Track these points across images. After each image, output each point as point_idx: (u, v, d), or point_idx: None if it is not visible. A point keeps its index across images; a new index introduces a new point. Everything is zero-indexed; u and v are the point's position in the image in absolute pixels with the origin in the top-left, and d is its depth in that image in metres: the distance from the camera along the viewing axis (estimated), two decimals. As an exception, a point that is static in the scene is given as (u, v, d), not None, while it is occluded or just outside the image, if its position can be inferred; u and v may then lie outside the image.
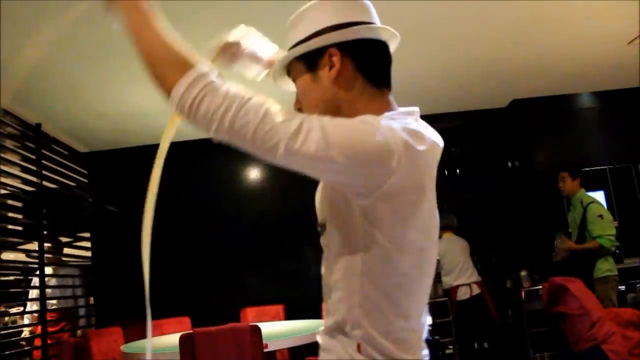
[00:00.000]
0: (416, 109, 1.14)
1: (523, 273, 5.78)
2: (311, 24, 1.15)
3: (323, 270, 1.18)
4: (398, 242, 1.04)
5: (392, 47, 1.22)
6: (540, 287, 4.98)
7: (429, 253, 1.11)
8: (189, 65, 1.01)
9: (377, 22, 1.18)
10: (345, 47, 1.12)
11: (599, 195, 6.05)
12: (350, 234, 1.06)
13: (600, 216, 4.95)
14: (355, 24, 1.13)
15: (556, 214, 5.99)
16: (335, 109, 1.13)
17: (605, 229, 4.89)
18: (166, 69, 1.03)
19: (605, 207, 5.17)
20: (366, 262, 1.05)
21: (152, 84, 1.04)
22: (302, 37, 1.16)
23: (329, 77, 1.13)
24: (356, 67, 1.13)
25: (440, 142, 1.16)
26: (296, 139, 0.96)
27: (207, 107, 0.98)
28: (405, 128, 1.02)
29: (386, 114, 1.07)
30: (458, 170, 6.52)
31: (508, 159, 6.61)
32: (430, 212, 1.10)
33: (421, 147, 1.02)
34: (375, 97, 1.14)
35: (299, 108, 1.22)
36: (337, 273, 1.11)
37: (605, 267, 4.89)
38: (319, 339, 1.19)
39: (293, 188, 6.60)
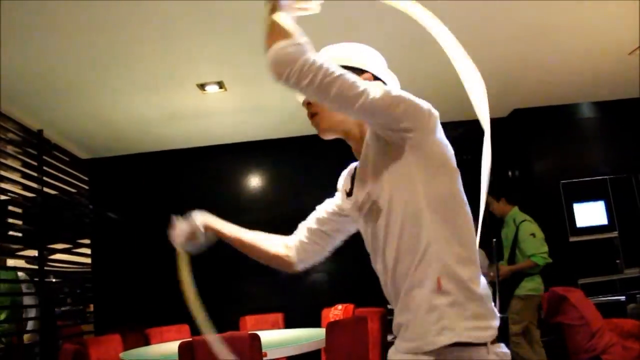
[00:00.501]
0: None
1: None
2: (346, 58, 1.48)
3: (380, 249, 1.39)
4: (445, 183, 1.36)
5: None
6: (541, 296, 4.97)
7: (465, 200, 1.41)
8: (289, 34, 1.24)
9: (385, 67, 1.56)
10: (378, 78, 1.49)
11: (599, 205, 6.05)
12: (411, 186, 1.32)
13: (533, 234, 5.06)
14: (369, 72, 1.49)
15: (557, 223, 5.99)
16: (357, 123, 1.48)
17: (538, 247, 5.00)
18: (274, 36, 1.24)
19: (538, 226, 5.20)
20: (431, 204, 1.31)
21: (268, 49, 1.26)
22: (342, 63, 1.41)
23: None
24: None
25: None
26: (371, 93, 1.26)
27: (305, 60, 1.22)
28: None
29: None
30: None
31: (509, 168, 6.61)
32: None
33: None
34: None
35: (313, 113, 1.51)
36: (403, 238, 1.32)
37: (529, 286, 5.00)
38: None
39: (291, 196, 6.62)
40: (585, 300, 4.09)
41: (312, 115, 1.51)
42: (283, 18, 1.27)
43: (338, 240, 1.72)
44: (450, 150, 1.41)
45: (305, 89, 1.25)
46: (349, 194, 1.55)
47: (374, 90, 1.27)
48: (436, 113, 1.38)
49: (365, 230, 1.47)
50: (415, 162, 1.32)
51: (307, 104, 1.51)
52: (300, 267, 1.72)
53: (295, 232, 1.75)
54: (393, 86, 1.48)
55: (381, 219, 1.36)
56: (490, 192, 5.21)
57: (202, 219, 1.78)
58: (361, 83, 1.27)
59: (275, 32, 1.24)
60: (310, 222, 1.71)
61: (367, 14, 3.79)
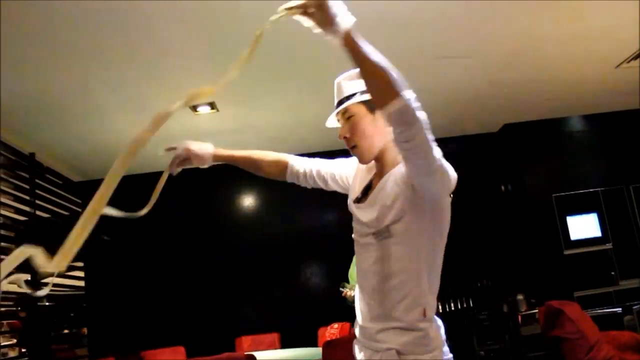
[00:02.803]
0: None
1: (519, 297, 5.77)
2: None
3: (372, 266, 1.59)
4: (442, 236, 1.58)
5: None
6: (537, 310, 4.96)
7: None
8: (404, 87, 1.33)
9: None
10: None
11: (592, 218, 6.07)
12: (416, 231, 1.52)
13: None
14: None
15: (551, 236, 6.00)
16: (378, 142, 1.62)
17: None
18: (392, 85, 1.32)
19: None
20: (428, 250, 1.54)
21: (378, 88, 1.35)
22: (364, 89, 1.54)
23: (380, 118, 1.57)
24: None
25: None
26: (442, 163, 1.45)
27: (420, 119, 1.34)
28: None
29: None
30: (451, 195, 6.53)
31: (501, 183, 6.64)
32: None
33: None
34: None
35: (346, 137, 1.64)
36: (399, 262, 1.54)
37: None
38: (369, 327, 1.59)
39: (285, 217, 6.61)
40: (581, 314, 4.09)
41: (352, 147, 1.65)
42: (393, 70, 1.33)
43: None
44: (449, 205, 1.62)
45: (407, 147, 1.37)
46: (358, 200, 1.69)
47: (442, 160, 1.45)
48: (455, 179, 1.55)
49: (364, 238, 1.63)
50: (430, 221, 1.54)
51: (345, 138, 1.65)
52: (289, 177, 1.95)
53: (301, 159, 1.96)
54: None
55: (388, 244, 1.56)
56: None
57: (200, 146, 1.94)
58: (437, 152, 1.41)
59: (386, 78, 1.32)
60: (321, 166, 1.91)
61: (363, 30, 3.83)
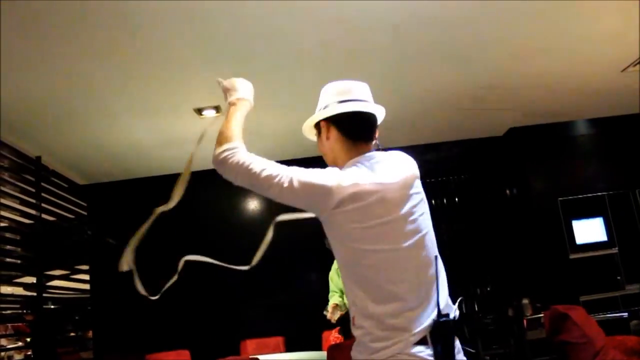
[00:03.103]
0: (373, 154, 1.69)
1: (524, 301, 5.74)
2: (319, 104, 1.81)
3: None
4: (353, 247, 1.56)
5: (380, 114, 1.79)
6: (542, 315, 4.93)
7: (395, 254, 1.56)
8: (230, 139, 1.69)
9: (366, 96, 1.77)
10: (330, 119, 1.75)
11: (598, 222, 6.04)
12: (332, 244, 1.64)
13: None
14: (342, 101, 1.73)
15: (557, 240, 5.98)
16: (334, 158, 1.75)
17: None
18: (216, 143, 1.70)
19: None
20: (340, 259, 1.63)
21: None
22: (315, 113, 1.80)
23: (324, 138, 1.78)
24: (338, 131, 1.73)
25: (409, 168, 1.68)
26: (280, 185, 1.57)
27: (233, 162, 1.63)
28: (353, 174, 1.59)
29: (349, 161, 1.68)
30: (457, 199, 6.53)
31: (506, 187, 6.62)
32: (395, 224, 1.57)
33: (363, 186, 1.55)
34: (350, 148, 1.71)
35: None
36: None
37: None
38: None
39: (289, 221, 6.59)
40: (587, 318, 4.07)
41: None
42: (233, 123, 1.74)
43: None
44: (364, 213, 1.54)
45: (237, 183, 1.65)
46: None
47: (286, 180, 1.55)
48: (346, 186, 1.54)
49: None
50: (328, 231, 1.62)
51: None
52: None
53: None
54: (310, 171, 1.61)
55: None
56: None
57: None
58: (277, 176, 1.57)
59: (218, 137, 1.69)
60: None
61: (371, 33, 3.84)
